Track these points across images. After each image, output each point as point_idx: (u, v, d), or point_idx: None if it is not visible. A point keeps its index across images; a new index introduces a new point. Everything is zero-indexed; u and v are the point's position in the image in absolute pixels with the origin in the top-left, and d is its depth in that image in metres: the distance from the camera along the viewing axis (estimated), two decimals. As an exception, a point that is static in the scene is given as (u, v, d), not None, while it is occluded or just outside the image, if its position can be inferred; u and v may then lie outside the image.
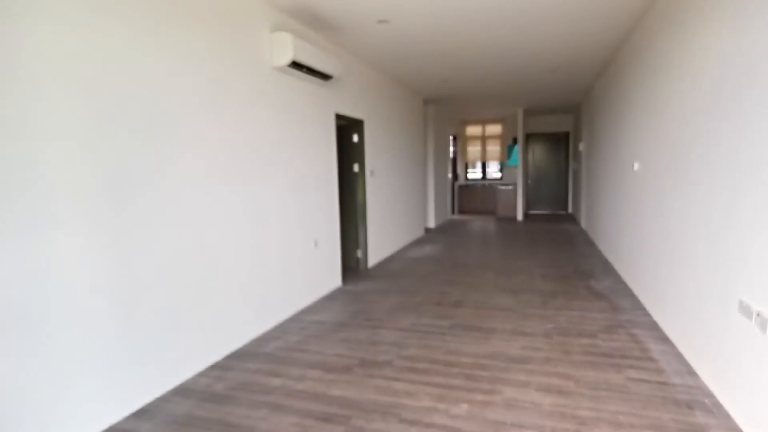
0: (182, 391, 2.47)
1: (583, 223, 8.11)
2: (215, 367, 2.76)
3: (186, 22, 2.56)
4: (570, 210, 10.78)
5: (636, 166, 3.98)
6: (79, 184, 1.98)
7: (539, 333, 3.16)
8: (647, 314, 3.46)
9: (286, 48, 3.33)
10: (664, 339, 2.98)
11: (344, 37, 4.15)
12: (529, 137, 11.01)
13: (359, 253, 5.28)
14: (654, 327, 3.19)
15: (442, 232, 8.20)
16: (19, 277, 1.75)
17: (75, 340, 1.97)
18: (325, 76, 3.89)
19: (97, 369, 2.08)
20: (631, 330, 3.16)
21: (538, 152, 11.11)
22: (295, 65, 3.46)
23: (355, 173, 5.14)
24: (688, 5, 2.71)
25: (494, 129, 11.15)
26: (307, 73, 3.66)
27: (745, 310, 1.91)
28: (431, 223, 8.61)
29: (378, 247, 5.64)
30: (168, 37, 2.44)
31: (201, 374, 2.66)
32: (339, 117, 4.60)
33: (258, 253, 3.24)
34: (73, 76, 1.94)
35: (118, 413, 2.20)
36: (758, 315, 1.80)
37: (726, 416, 2.07)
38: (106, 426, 2.13)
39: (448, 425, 2.08)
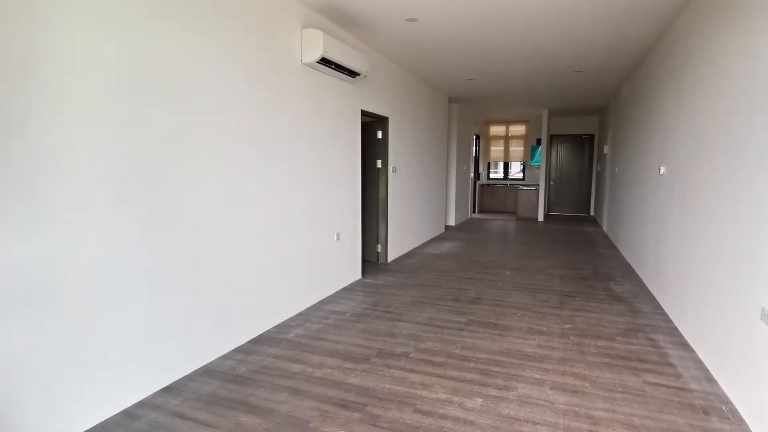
0: (207, 372, 2.58)
1: (605, 226, 8.01)
2: (239, 350, 2.87)
3: (222, 17, 2.66)
4: (592, 212, 10.64)
5: (662, 170, 3.93)
6: (118, 174, 2.09)
7: (556, 332, 3.18)
8: (667, 319, 3.43)
9: (316, 45, 3.41)
10: (684, 344, 2.96)
11: (372, 34, 4.21)
12: (553, 138, 10.89)
13: (379, 248, 5.35)
14: (674, 332, 3.17)
15: (462, 230, 8.21)
16: (64, 260, 1.87)
17: (112, 318, 2.10)
18: (352, 73, 3.95)
19: (130, 346, 2.20)
20: (650, 334, 3.15)
21: (562, 153, 10.97)
22: (324, 62, 3.54)
23: (378, 169, 5.21)
24: (722, 5, 2.67)
25: (518, 129, 11.06)
26: (335, 69, 3.73)
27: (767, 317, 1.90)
28: (451, 221, 8.62)
29: (398, 243, 5.70)
30: (205, 30, 2.54)
31: (225, 357, 2.78)
32: (364, 113, 4.66)
33: (283, 242, 3.34)
34: (113, 66, 2.05)
35: (149, 389, 2.32)
36: (780, 323, 1.79)
37: (741, 422, 2.06)
38: (137, 399, 2.26)
39: (461, 418, 2.13)
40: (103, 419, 2.09)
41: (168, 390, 2.38)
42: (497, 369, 2.62)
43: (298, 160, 3.48)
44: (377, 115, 4.93)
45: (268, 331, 3.20)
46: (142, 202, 2.21)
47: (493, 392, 2.36)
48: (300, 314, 3.55)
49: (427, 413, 2.16)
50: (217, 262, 2.72)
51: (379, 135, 5.19)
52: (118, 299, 2.12)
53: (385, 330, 3.24)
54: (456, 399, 2.29)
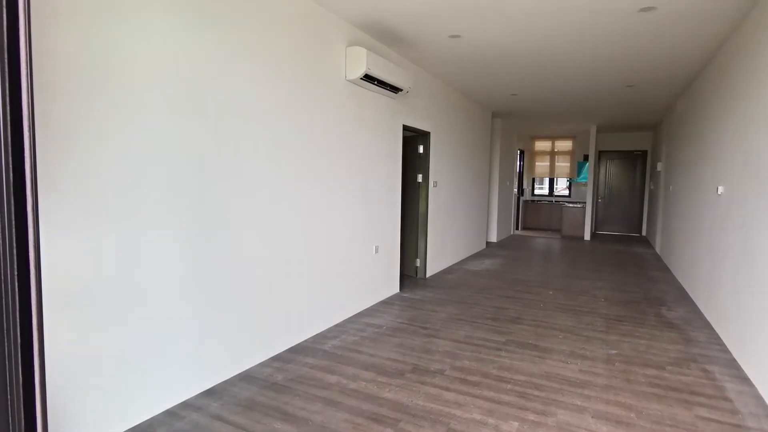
0: (246, 378, 2.66)
1: (658, 247, 7.60)
2: (277, 358, 2.94)
3: (273, 36, 2.79)
4: (644, 232, 10.13)
5: (720, 189, 3.71)
6: (171, 184, 2.23)
7: (600, 358, 3.04)
8: (725, 350, 3.20)
9: (360, 62, 3.50)
10: (743, 378, 2.75)
11: (416, 51, 4.27)
12: (601, 154, 10.51)
13: (418, 262, 5.34)
14: (731, 364, 2.95)
15: (504, 247, 8.04)
16: (116, 263, 2.00)
17: (161, 321, 2.22)
18: (395, 89, 4.02)
19: (178, 349, 2.31)
20: (704, 365, 2.94)
21: (612, 170, 10.56)
22: (368, 78, 3.62)
23: (419, 183, 5.22)
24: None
25: (565, 145, 10.77)
26: (378, 85, 3.81)
27: (838, 354, 1.74)
28: (493, 238, 8.47)
29: (437, 258, 5.66)
30: (257, 47, 2.68)
31: (263, 364, 2.85)
32: (406, 128, 4.71)
33: (322, 254, 3.41)
34: (171, 78, 2.20)
35: (191, 391, 2.42)
36: None
37: (810, 469, 1.89)
38: (181, 400, 2.36)
39: (497, 440, 2.07)
40: (149, 417, 2.20)
41: (209, 393, 2.47)
42: (536, 392, 2.54)
43: (340, 174, 3.56)
44: (419, 129, 4.97)
45: (305, 341, 3.25)
46: (192, 210, 2.33)
47: (531, 416, 2.28)
48: (337, 326, 3.59)
49: (460, 433, 2.12)
50: (259, 272, 2.81)
51: (421, 149, 5.22)
52: (171, 305, 2.24)
53: (421, 346, 3.22)
54: (491, 421, 2.23)
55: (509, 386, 2.61)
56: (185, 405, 2.34)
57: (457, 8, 3.21)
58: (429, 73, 5.10)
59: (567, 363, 2.95)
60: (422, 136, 5.19)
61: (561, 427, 2.19)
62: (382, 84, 3.83)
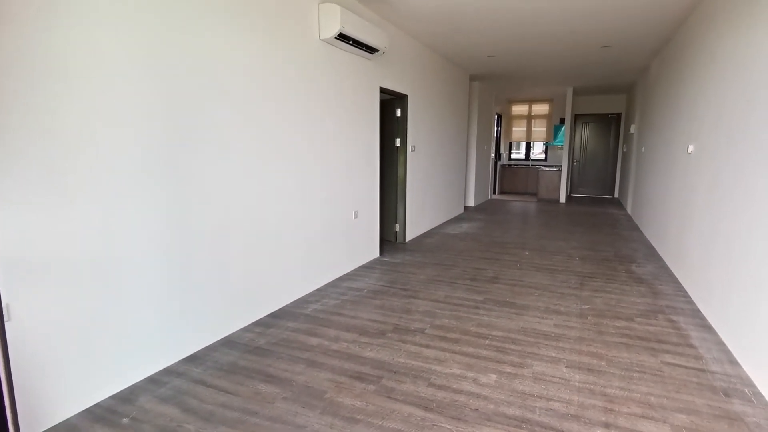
0: (228, 343, 2.66)
1: (629, 208, 7.82)
2: (258, 323, 2.94)
3: (239, -7, 2.65)
4: (616, 194, 10.39)
5: (690, 148, 3.80)
6: (144, 154, 2.14)
7: (574, 312, 3.15)
8: (690, 301, 3.36)
9: (333, 20, 3.37)
10: (707, 327, 2.90)
11: (391, 8, 4.12)
12: (577, 118, 10.59)
13: (397, 227, 5.36)
14: (696, 314, 3.11)
15: (482, 210, 8.14)
16: (97, 235, 1.93)
17: (138, 290, 2.17)
18: (371, 49, 3.90)
19: (156, 317, 2.28)
20: (670, 316, 3.09)
21: (587, 133, 10.68)
22: (342, 37, 3.50)
23: (397, 148, 5.17)
24: (761, -25, 2.51)
25: (541, 108, 10.79)
26: (353, 45, 3.69)
27: (795, 298, 1.84)
28: (471, 202, 8.55)
29: (416, 222, 5.69)
30: (223, 5, 2.54)
31: (245, 329, 2.85)
32: (383, 90, 4.61)
33: (301, 219, 3.37)
34: (134, 38, 2.08)
35: (172, 357, 2.41)
36: (807, 303, 1.73)
37: (766, 405, 2.02)
38: (162, 367, 2.35)
39: (475, 392, 2.15)
40: (129, 384, 2.19)
41: (191, 359, 2.47)
42: (512, 347, 2.63)
43: (316, 137, 3.49)
44: (396, 92, 4.88)
45: (287, 305, 3.26)
46: (168, 179, 2.26)
47: (508, 369, 2.37)
48: (318, 290, 3.61)
49: (441, 387, 2.19)
50: (238, 239, 2.77)
51: (398, 113, 5.14)
52: (149, 273, 2.19)
53: (401, 307, 3.27)
54: (470, 374, 2.31)
55: (487, 342, 2.69)
56: (167, 371, 2.34)
57: (433, -38, 3.09)
58: (406, 32, 4.97)
59: (542, 318, 3.05)
60: (399, 99, 5.11)
61: (536, 377, 2.28)
62: (357, 44, 3.71)
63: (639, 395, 2.12)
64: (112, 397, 2.10)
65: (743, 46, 2.72)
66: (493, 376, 2.29)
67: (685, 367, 2.38)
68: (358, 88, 4.06)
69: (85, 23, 1.86)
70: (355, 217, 4.18)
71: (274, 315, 3.09)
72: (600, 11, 4.10)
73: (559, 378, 2.28)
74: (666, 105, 5.12)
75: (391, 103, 5.15)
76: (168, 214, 2.30)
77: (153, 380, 2.25)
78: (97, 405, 2.04)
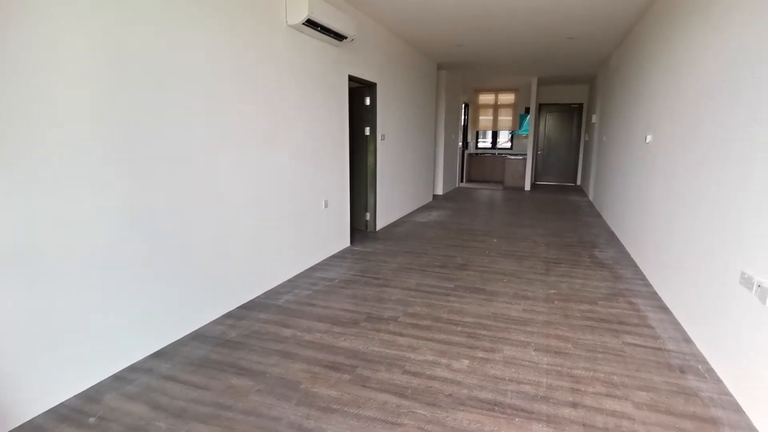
0: (198, 337, 2.60)
1: (591, 195, 8.11)
2: (229, 316, 2.89)
3: (203, -27, 2.53)
4: (579, 182, 10.74)
5: (648, 138, 3.96)
6: (105, 144, 2.03)
7: (541, 297, 3.25)
8: (648, 284, 3.53)
9: (301, 5, 3.28)
10: (663, 308, 3.06)
11: (360, -6, 4.06)
12: (541, 107, 10.83)
13: (368, 216, 5.35)
14: (653, 296, 3.27)
15: (450, 199, 8.24)
16: (54, 227, 1.83)
17: (101, 284, 2.08)
18: (339, 36, 3.84)
19: (120, 311, 2.20)
20: (630, 298, 3.24)
21: (550, 123, 10.95)
22: (310, 23, 3.42)
23: (366, 136, 5.14)
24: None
25: (507, 98, 10.96)
26: (321, 32, 3.61)
27: (747, 281, 1.96)
28: (439, 190, 8.63)
29: (386, 211, 5.70)
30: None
31: (216, 322, 2.79)
32: (352, 79, 4.56)
33: (272, 210, 3.31)
34: (92, 30, 1.96)
35: (139, 353, 2.34)
36: (759, 286, 1.85)
37: (718, 381, 2.16)
38: (128, 364, 2.27)
39: (449, 378, 2.19)
40: (95, 382, 2.11)
41: (159, 355, 2.40)
42: (484, 332, 2.69)
43: (285, 126, 3.42)
44: (365, 80, 4.83)
45: (258, 297, 3.21)
46: (129, 169, 2.16)
47: (480, 354, 2.43)
48: (289, 281, 3.57)
49: (415, 374, 2.22)
50: (206, 229, 2.69)
51: (367, 101, 5.10)
52: (109, 266, 2.10)
53: (374, 295, 3.28)
54: (443, 360, 2.35)
55: (459, 328, 2.74)
56: (133, 368, 2.26)
57: (403, -52, 3.05)
58: (374, 20, 4.91)
59: (511, 304, 3.13)
60: (368, 88, 5.06)
61: (507, 361, 2.35)
62: (325, 30, 3.64)
63: (603, 375, 2.22)
64: (78, 396, 2.01)
65: (699, 39, 2.84)
66: (466, 362, 2.34)
67: (645, 347, 2.51)
68: (327, 76, 3.99)
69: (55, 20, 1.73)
70: (326, 206, 4.14)
71: (245, 307, 3.04)
72: (565, 3, 4.18)
73: (529, 361, 2.35)
74: (625, 96, 5.31)
75: (360, 92, 5.10)
76: (131, 204, 2.20)
77: (119, 378, 2.18)
78: (62, 404, 1.95)
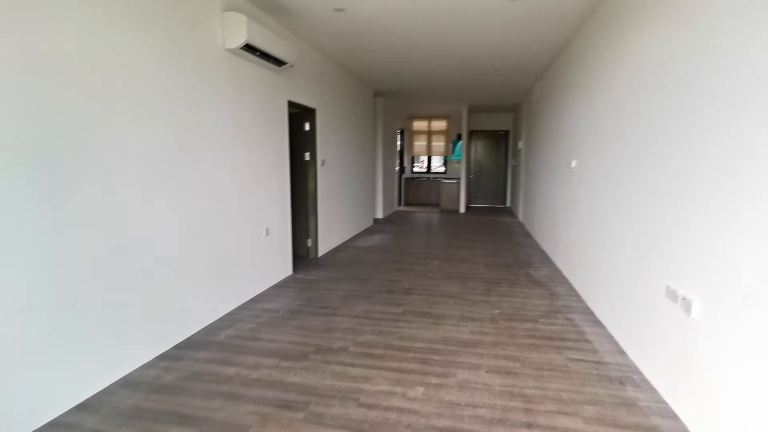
0: (128, 384, 2.35)
1: (521, 216, 8.57)
2: (164, 357, 2.64)
3: (136, -7, 2.40)
4: (508, 204, 11.33)
5: (573, 163, 4.28)
6: (15, 172, 1.81)
7: (486, 318, 3.33)
8: (581, 300, 3.75)
9: (239, 29, 3.21)
10: (597, 322, 3.25)
11: (299, 23, 4.07)
12: (472, 134, 11.39)
13: (309, 242, 5.24)
14: (587, 311, 3.48)
15: (390, 222, 8.32)
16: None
17: (13, 333, 1.82)
18: (279, 62, 3.79)
19: (35, 362, 1.93)
20: (567, 314, 3.42)
21: (480, 148, 11.53)
22: (249, 48, 3.35)
23: (307, 162, 5.08)
24: (620, 15, 2.94)
25: (439, 125, 11.42)
26: (260, 57, 3.55)
27: (672, 294, 2.14)
28: (379, 214, 8.69)
29: (328, 237, 5.62)
30: (111, 6, 2.28)
31: (149, 365, 2.54)
32: (291, 104, 4.51)
33: (210, 240, 3.12)
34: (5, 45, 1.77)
35: (59, 407, 2.05)
36: (683, 299, 2.03)
37: (652, 390, 2.31)
38: (48, 419, 1.99)
39: (405, 407, 2.15)
40: (2, 448, 1.81)
41: (83, 407, 2.12)
42: (435, 357, 2.69)
43: (222, 152, 3.28)
44: (305, 106, 4.80)
45: (196, 334, 2.98)
46: (41, 198, 1.93)
47: (434, 380, 2.41)
48: (230, 314, 3.36)
49: (371, 406, 2.15)
50: (134, 263, 2.47)
51: (307, 127, 5.06)
52: (16, 311, 1.84)
53: (322, 325, 3.18)
54: (398, 389, 2.31)
55: (411, 354, 2.72)
56: (53, 425, 1.98)
57: (344, -21, 3.11)
58: (313, 48, 4.93)
59: (459, 326, 3.18)
60: (308, 113, 5.03)
61: (461, 386, 2.36)
62: (265, 56, 3.58)
63: (552, 392, 2.29)
64: (-21, 468, 1.72)
65: (614, 74, 3.14)
66: (421, 389, 2.31)
67: (586, 361, 2.64)
68: (266, 101, 3.91)
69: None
70: (267, 234, 3.99)
71: (181, 346, 2.80)
72: (494, 40, 4.47)
73: (482, 384, 2.37)
74: (550, 124, 5.73)
75: (300, 117, 5.05)
76: (41, 240, 1.97)
77: (34, 439, 1.89)
78: (-43, 481, 1.65)
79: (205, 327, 3.10)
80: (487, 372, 2.50)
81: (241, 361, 2.61)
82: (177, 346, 2.79)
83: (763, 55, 1.55)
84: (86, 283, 2.16)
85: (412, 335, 3.01)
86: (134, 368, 2.49)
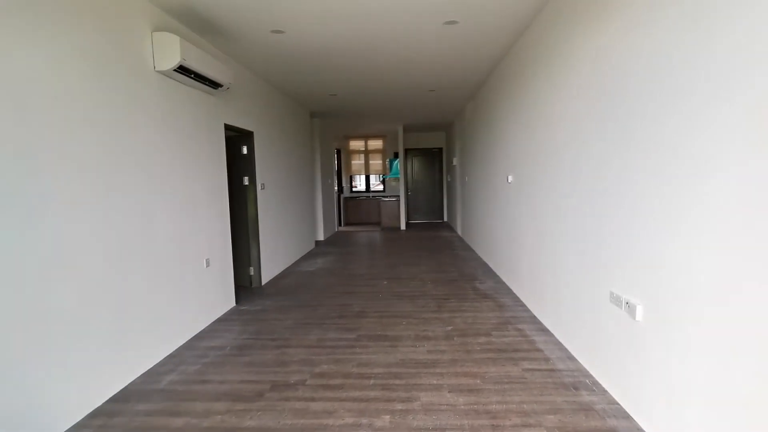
0: (56, 450, 2.06)
1: (460, 230, 8.83)
2: (97, 414, 2.35)
3: (51, 9, 2.19)
4: (446, 218, 11.64)
5: (510, 178, 4.49)
6: None
7: (441, 336, 3.34)
8: (527, 309, 3.90)
9: (172, 51, 3.05)
10: (544, 330, 3.38)
11: (236, 45, 3.95)
12: (408, 152, 11.64)
13: (252, 270, 5.01)
14: (534, 320, 3.61)
15: (333, 243, 8.20)
16: None
17: None
18: (215, 84, 3.64)
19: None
20: (517, 325, 3.52)
21: (416, 166, 11.80)
22: (183, 70, 3.19)
23: (246, 186, 4.88)
24: (550, 36, 3.16)
25: (376, 144, 11.57)
26: (195, 79, 3.38)
27: (616, 300, 2.28)
28: (321, 236, 8.55)
29: (271, 263, 5.41)
30: (29, 21, 2.06)
31: (78, 426, 2.25)
32: (228, 128, 4.34)
33: (142, 275, 2.87)
34: None
35: (-31, 491, 1.75)
36: (627, 304, 2.16)
37: (604, 392, 2.42)
38: None
39: (372, 438, 2.07)
40: None
41: (-1, 486, 1.82)
42: (397, 381, 2.64)
43: (156, 180, 3.05)
44: (242, 129, 4.64)
45: (132, 383, 2.70)
46: (-53, 243, 1.67)
47: (399, 406, 2.36)
48: (171, 356, 3.09)
49: (337, 442, 2.06)
50: (53, 311, 2.19)
51: (245, 150, 4.88)
52: None
53: (274, 359, 3.01)
54: (364, 420, 2.23)
55: (372, 381, 2.65)
56: None
57: (279, 2, 3.07)
58: (249, 69, 4.80)
59: (416, 347, 3.16)
60: (246, 136, 4.86)
61: (426, 409, 2.32)
62: (200, 78, 3.42)
63: (515, 405, 2.32)
64: None
65: (545, 95, 3.36)
66: (387, 417, 2.25)
67: (541, 370, 2.72)
68: (202, 125, 3.72)
69: None
70: (207, 265, 3.75)
71: (116, 399, 2.52)
72: (430, 62, 4.62)
73: (446, 404, 2.36)
74: (485, 141, 6.00)
75: (237, 141, 4.87)
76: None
77: None
78: None
79: (143, 374, 2.82)
80: (449, 392, 2.49)
81: (189, 409, 2.39)
82: (112, 399, 2.50)
83: (685, 68, 1.72)
84: None
85: (370, 361, 2.94)
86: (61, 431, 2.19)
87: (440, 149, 11.66)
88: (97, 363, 2.44)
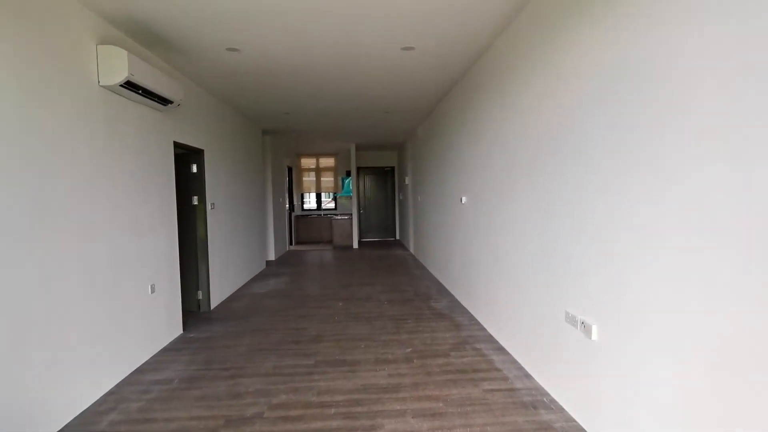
0: None
1: (412, 249, 8.92)
2: (26, 464, 2.10)
3: (-14, 20, 2.01)
4: (398, 236, 11.73)
5: (464, 199, 4.60)
6: None
7: (401, 358, 3.32)
8: (483, 328, 3.96)
9: (119, 65, 2.88)
10: (501, 349, 3.45)
11: (187, 60, 3.80)
12: (360, 170, 11.68)
13: (200, 294, 4.75)
14: (491, 339, 3.68)
15: (284, 263, 7.99)
16: None
17: None
18: (164, 101, 3.48)
19: None
20: (474, 345, 3.57)
21: (368, 184, 11.85)
22: (130, 85, 3.02)
23: (195, 206, 4.67)
24: (503, 62, 3.31)
25: (328, 162, 11.53)
26: (143, 95, 3.22)
27: (571, 319, 2.37)
28: (272, 256, 8.31)
29: (220, 286, 5.17)
30: (-41, 35, 1.87)
31: (4, 479, 2.00)
32: (177, 145, 4.15)
33: (77, 306, 2.64)
34: None
35: None
36: (583, 323, 2.25)
37: (562, 410, 2.49)
38: None
39: (337, 472, 2.00)
40: None
41: None
42: (359, 409, 2.57)
43: (97, 201, 2.84)
44: (192, 147, 4.45)
45: (67, 426, 2.44)
46: None
47: (362, 435, 2.30)
48: (111, 393, 2.84)
49: (300, 479, 1.96)
50: (-15, 349, 1.96)
51: (194, 169, 4.68)
52: None
53: (227, 391, 2.85)
54: (327, 453, 2.14)
55: (333, 410, 2.56)
56: None
57: (235, 19, 3.00)
58: (199, 85, 4.64)
59: (376, 371, 3.11)
60: (196, 154, 4.67)
61: (391, 437, 2.28)
62: (148, 94, 3.26)
63: (478, 428, 2.33)
64: None
65: (501, 117, 3.50)
66: (350, 448, 2.18)
67: (500, 390, 2.76)
68: (150, 143, 3.53)
69: None
70: (153, 291, 3.52)
71: (48, 444, 2.27)
72: (386, 85, 4.69)
73: (411, 431, 2.32)
74: (438, 161, 6.13)
75: (186, 159, 4.66)
76: None
77: None
78: None
79: (79, 414, 2.56)
80: (413, 417, 2.47)
81: (135, 451, 2.20)
82: (43, 445, 2.25)
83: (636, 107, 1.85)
84: None
85: (330, 388, 2.86)
86: (-18, 486, 1.94)
87: (392, 168, 11.80)
88: (25, 406, 2.19)
